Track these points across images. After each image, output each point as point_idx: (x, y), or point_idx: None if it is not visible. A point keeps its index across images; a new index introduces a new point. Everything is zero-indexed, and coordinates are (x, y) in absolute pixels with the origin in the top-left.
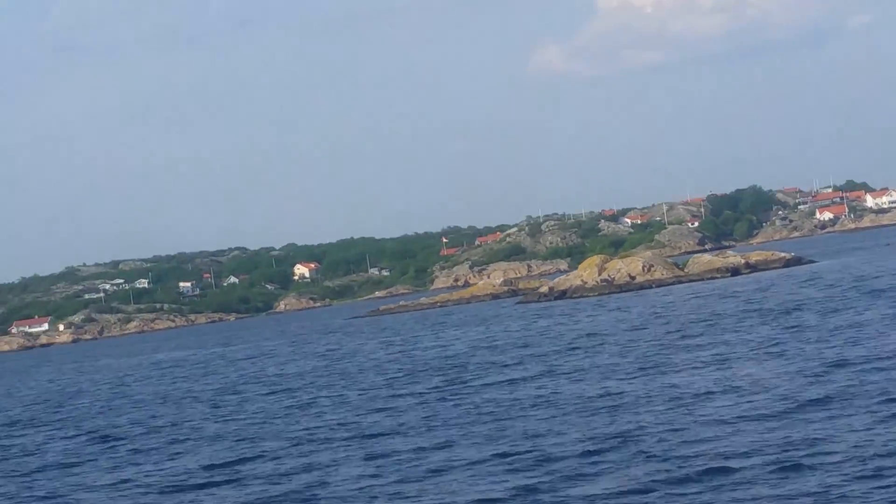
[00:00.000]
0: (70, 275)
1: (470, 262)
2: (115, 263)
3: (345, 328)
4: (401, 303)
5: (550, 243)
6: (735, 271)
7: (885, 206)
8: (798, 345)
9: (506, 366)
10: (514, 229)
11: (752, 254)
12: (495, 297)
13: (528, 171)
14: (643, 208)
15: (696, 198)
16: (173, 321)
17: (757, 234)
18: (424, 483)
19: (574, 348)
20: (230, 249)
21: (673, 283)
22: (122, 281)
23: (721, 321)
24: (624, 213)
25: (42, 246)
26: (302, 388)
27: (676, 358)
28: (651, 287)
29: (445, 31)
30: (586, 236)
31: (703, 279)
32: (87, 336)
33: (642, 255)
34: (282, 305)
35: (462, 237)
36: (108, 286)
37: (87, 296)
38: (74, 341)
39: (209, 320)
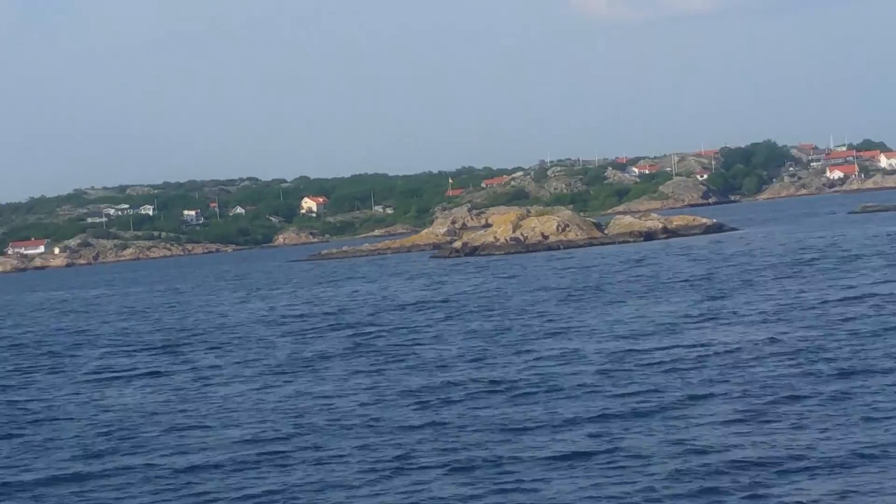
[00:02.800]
0: (77, 197)
1: (470, 205)
2: (123, 188)
3: (246, 275)
4: (344, 248)
5: (555, 189)
6: (649, 236)
7: None
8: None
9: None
10: (520, 173)
11: (674, 218)
12: (436, 246)
13: (549, 113)
14: (655, 158)
15: (709, 150)
16: (170, 250)
17: (765, 189)
18: None
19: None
20: (241, 179)
21: (585, 245)
22: (127, 206)
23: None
24: (635, 161)
25: (52, 167)
26: None
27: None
28: (559, 248)
29: None
30: (591, 184)
31: (615, 242)
32: (82, 261)
33: (560, 213)
34: (281, 239)
35: (472, 179)
36: (112, 211)
37: (90, 220)
38: (69, 265)
39: (206, 251)
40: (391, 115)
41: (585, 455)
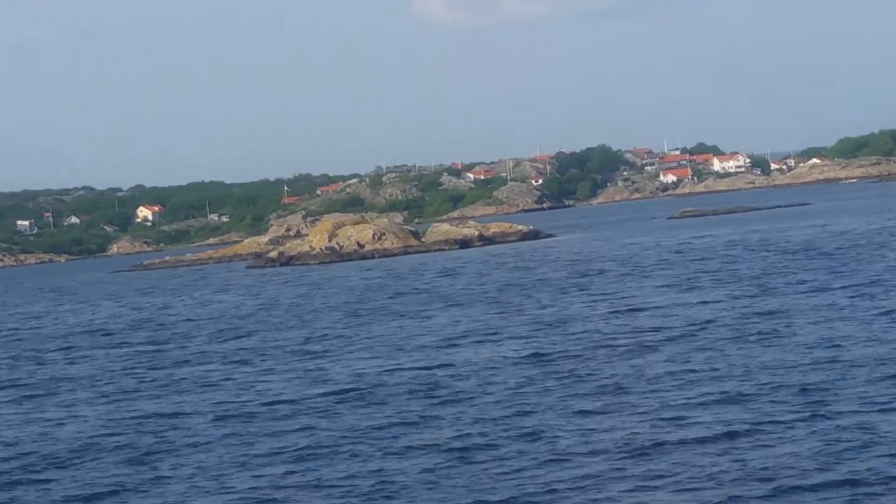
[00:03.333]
0: None
1: (305, 212)
2: None
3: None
4: (166, 257)
5: (390, 195)
6: (465, 244)
7: (731, 171)
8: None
9: None
10: (356, 180)
11: (490, 226)
12: (258, 255)
13: (387, 119)
14: (490, 163)
15: (544, 155)
16: (2, 261)
17: (599, 194)
18: None
19: None
20: (76, 189)
21: (400, 254)
22: None
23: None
24: (471, 167)
25: None
26: None
27: None
28: (374, 257)
29: None
30: (427, 190)
31: (431, 250)
32: None
33: (377, 222)
34: (115, 249)
35: (308, 186)
36: None
37: None
38: None
39: (39, 261)
40: (229, 123)
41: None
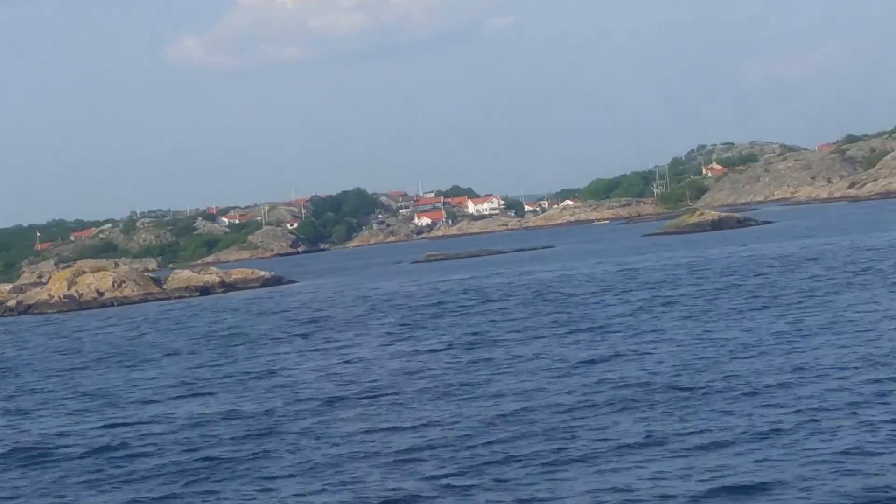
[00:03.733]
0: None
1: (57, 259)
2: None
3: None
4: None
5: (144, 241)
6: (206, 290)
7: (485, 213)
8: None
9: None
10: (108, 225)
11: (232, 272)
12: None
13: (143, 163)
14: (246, 207)
15: (300, 199)
16: None
17: (355, 237)
18: None
19: None
20: None
21: (141, 301)
22: None
23: None
24: (225, 211)
25: None
26: None
27: None
28: (114, 305)
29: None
30: (181, 235)
31: (172, 298)
32: None
33: (117, 269)
34: None
35: (62, 231)
36: None
37: None
38: None
39: None
40: None
41: None
